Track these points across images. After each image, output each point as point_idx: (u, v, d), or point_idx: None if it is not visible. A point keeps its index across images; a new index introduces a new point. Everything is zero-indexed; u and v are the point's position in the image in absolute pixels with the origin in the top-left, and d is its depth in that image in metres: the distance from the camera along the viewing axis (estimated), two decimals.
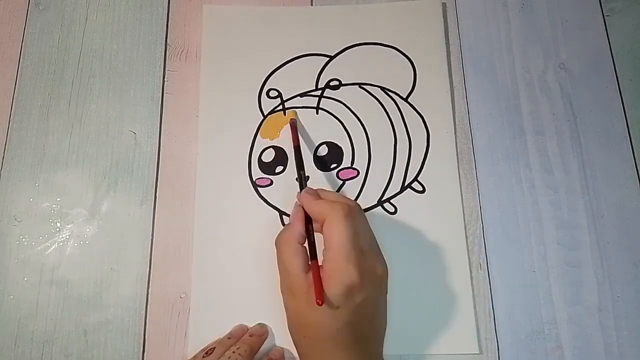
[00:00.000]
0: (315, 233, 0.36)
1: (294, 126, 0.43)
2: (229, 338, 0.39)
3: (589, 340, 0.40)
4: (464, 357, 0.40)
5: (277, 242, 0.37)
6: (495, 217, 0.43)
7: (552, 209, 0.44)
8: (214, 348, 0.38)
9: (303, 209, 0.37)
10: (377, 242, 0.37)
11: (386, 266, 0.36)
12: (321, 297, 0.31)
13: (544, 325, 0.41)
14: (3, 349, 0.40)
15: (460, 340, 0.40)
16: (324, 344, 0.34)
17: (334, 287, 0.32)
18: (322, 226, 0.35)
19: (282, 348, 0.40)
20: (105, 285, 0.42)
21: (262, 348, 0.39)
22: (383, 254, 0.42)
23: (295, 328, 0.35)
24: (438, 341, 0.40)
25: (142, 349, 0.40)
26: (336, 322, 0.33)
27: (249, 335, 0.39)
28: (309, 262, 0.34)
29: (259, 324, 0.40)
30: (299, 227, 0.36)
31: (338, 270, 0.33)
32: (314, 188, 0.38)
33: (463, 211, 0.43)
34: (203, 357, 0.37)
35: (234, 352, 0.37)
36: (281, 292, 0.36)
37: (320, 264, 0.34)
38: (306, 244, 0.35)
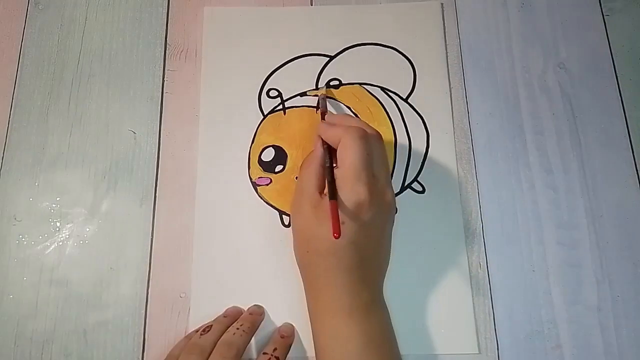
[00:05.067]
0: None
1: (323, 99, 0.45)
2: (224, 317, 0.39)
3: (588, 340, 0.40)
4: (463, 357, 0.40)
5: (302, 165, 0.39)
6: (495, 217, 0.43)
7: (552, 208, 0.44)
8: (211, 326, 0.38)
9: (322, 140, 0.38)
10: (389, 175, 0.37)
11: (394, 199, 0.37)
12: (338, 231, 0.31)
13: (544, 325, 0.41)
14: (3, 349, 0.40)
15: (460, 340, 0.40)
16: (326, 260, 0.35)
17: (341, 203, 0.33)
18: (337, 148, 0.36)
19: (292, 325, 0.40)
20: (105, 285, 0.42)
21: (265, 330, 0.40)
22: None
23: (299, 244, 0.37)
24: (438, 341, 0.40)
25: (142, 349, 0.40)
26: (341, 239, 0.32)
27: (249, 314, 0.39)
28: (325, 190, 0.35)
29: (256, 305, 0.41)
30: (321, 151, 0.37)
31: (347, 186, 0.34)
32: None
33: (463, 211, 0.43)
34: (201, 334, 0.37)
35: (237, 328, 0.37)
36: (291, 213, 0.38)
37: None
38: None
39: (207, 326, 0.38)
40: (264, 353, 0.38)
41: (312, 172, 0.37)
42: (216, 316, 0.40)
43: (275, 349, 0.38)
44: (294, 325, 0.40)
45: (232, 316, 0.39)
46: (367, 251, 0.35)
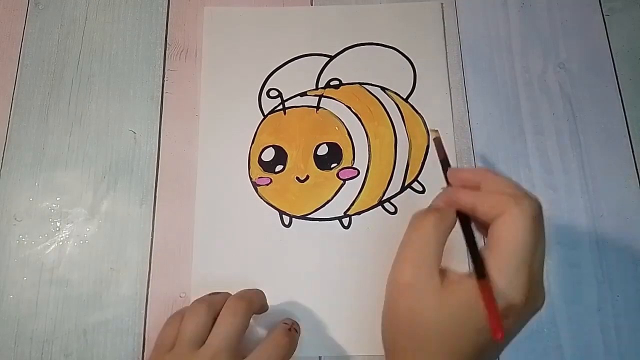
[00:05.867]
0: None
1: (439, 142, 0.36)
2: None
3: (588, 340, 0.40)
4: None
5: (418, 223, 0.29)
6: None
7: (552, 208, 0.44)
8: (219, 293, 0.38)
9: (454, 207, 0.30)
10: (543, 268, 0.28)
11: (544, 301, 0.28)
12: (501, 331, 0.25)
13: (544, 324, 0.41)
14: (3, 349, 0.40)
15: None
16: (438, 349, 0.27)
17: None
18: (490, 222, 0.28)
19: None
20: (105, 285, 0.42)
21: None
22: (382, 252, 0.42)
23: (403, 326, 0.28)
24: None
25: (142, 349, 0.40)
26: (468, 342, 0.27)
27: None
28: (473, 273, 0.27)
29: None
30: (452, 216, 0.29)
31: (503, 278, 0.26)
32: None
33: None
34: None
35: (248, 290, 0.37)
36: (394, 288, 0.29)
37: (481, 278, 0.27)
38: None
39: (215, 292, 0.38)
40: (284, 322, 0.37)
41: (431, 240, 0.28)
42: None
43: (293, 322, 0.38)
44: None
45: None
46: (489, 353, 0.28)
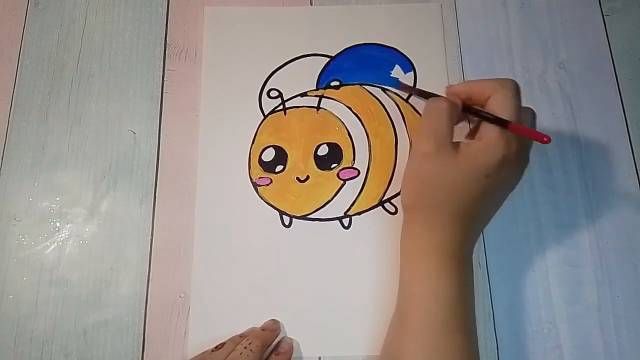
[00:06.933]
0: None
1: (404, 85, 0.45)
2: (240, 336, 0.39)
3: (588, 340, 0.40)
4: None
5: (434, 105, 0.36)
6: (494, 217, 0.43)
7: (551, 208, 0.44)
8: (224, 343, 0.38)
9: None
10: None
11: (527, 163, 0.36)
12: (546, 135, 0.32)
13: (543, 324, 0.41)
14: (2, 349, 0.40)
15: None
16: (451, 206, 0.35)
17: (492, 157, 0.34)
18: (482, 103, 0.36)
19: (290, 339, 0.40)
20: (105, 285, 0.42)
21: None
22: (382, 253, 0.42)
23: (425, 191, 0.35)
24: None
25: (141, 349, 0.40)
26: (477, 188, 0.34)
27: (262, 330, 0.39)
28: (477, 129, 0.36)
29: (272, 319, 0.40)
30: (458, 101, 0.36)
31: (499, 140, 0.34)
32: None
33: None
34: (212, 351, 0.37)
35: (245, 347, 0.37)
36: (417, 149, 0.36)
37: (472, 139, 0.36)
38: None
39: (221, 343, 0.38)
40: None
41: (446, 119, 0.35)
42: (216, 317, 0.40)
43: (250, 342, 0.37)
44: (292, 338, 0.40)
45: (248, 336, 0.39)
46: (489, 207, 0.37)
